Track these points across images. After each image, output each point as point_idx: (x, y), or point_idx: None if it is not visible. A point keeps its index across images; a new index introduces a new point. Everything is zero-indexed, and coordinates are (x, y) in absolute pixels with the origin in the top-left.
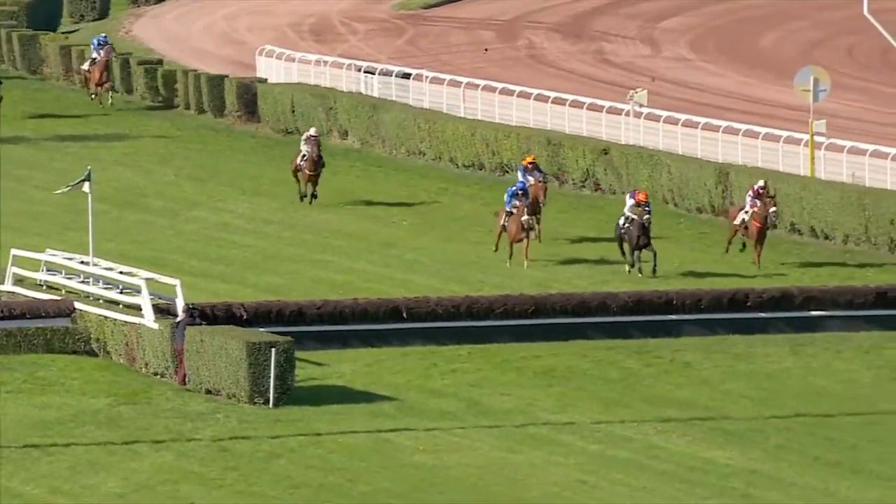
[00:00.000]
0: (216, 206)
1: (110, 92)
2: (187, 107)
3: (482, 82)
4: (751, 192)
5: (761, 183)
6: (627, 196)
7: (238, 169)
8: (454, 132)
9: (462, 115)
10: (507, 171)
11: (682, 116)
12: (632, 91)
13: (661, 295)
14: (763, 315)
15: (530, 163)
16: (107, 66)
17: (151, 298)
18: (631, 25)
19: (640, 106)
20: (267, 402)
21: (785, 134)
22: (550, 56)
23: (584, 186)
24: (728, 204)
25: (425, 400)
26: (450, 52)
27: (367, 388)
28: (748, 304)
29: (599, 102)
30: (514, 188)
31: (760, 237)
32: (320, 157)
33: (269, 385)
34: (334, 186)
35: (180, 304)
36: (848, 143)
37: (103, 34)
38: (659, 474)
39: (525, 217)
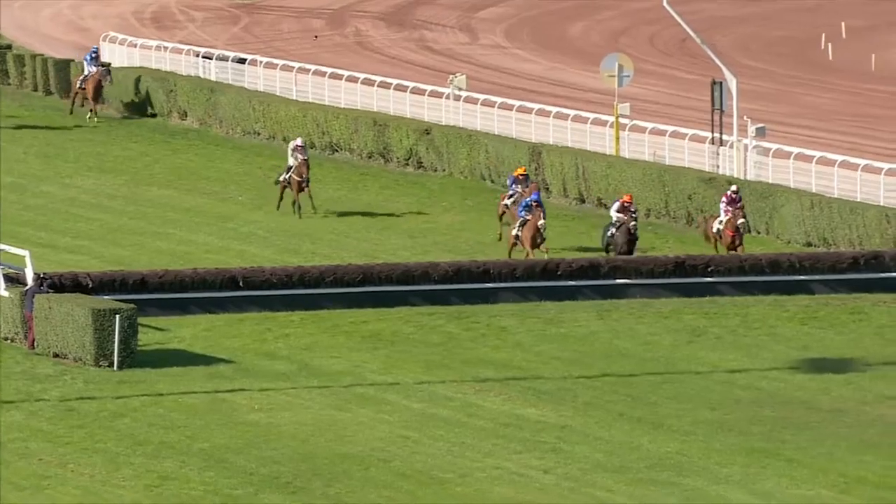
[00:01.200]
0: (63, 182)
1: (95, 111)
2: (35, 89)
3: (313, 67)
4: (724, 199)
5: (734, 188)
6: (614, 202)
7: (83, 147)
8: (287, 113)
9: (294, 97)
10: (336, 150)
11: (498, 99)
12: (451, 76)
13: (479, 265)
14: (572, 283)
15: (521, 174)
16: (99, 84)
17: (2, 268)
18: (450, 15)
19: (459, 90)
20: (111, 364)
21: (592, 116)
22: (376, 43)
23: (407, 164)
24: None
25: (260, 362)
26: (282, 39)
27: (205, 351)
28: (559, 273)
29: (422, 86)
30: (527, 200)
31: (733, 245)
32: (308, 168)
33: (113, 349)
34: (174, 164)
35: (30, 274)
36: (649, 125)
37: (95, 47)
38: (477, 430)
39: (542, 221)
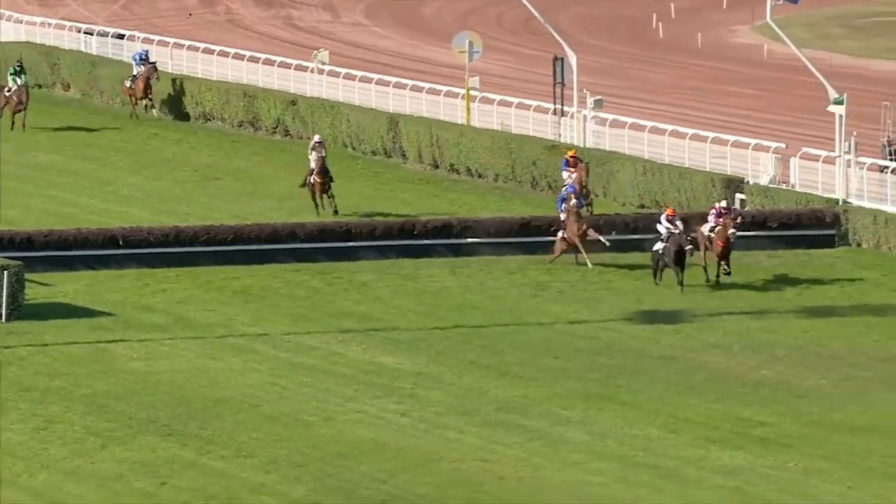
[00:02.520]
0: None
1: (151, 103)
2: None
3: (187, 42)
4: (713, 211)
5: (723, 203)
6: (660, 216)
7: None
8: (163, 85)
9: (170, 70)
10: (209, 119)
11: (359, 73)
12: (315, 51)
13: (342, 225)
14: (427, 242)
15: (572, 156)
16: (148, 81)
17: None
18: None
19: (323, 64)
20: (0, 317)
21: (445, 89)
22: (246, 21)
23: (275, 132)
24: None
25: (139, 315)
26: (159, 17)
27: (88, 304)
28: (415, 232)
29: (288, 61)
30: (563, 193)
31: (724, 254)
32: (326, 168)
33: (1, 303)
34: (59, 131)
35: None
36: (497, 97)
37: (145, 49)
38: (339, 377)
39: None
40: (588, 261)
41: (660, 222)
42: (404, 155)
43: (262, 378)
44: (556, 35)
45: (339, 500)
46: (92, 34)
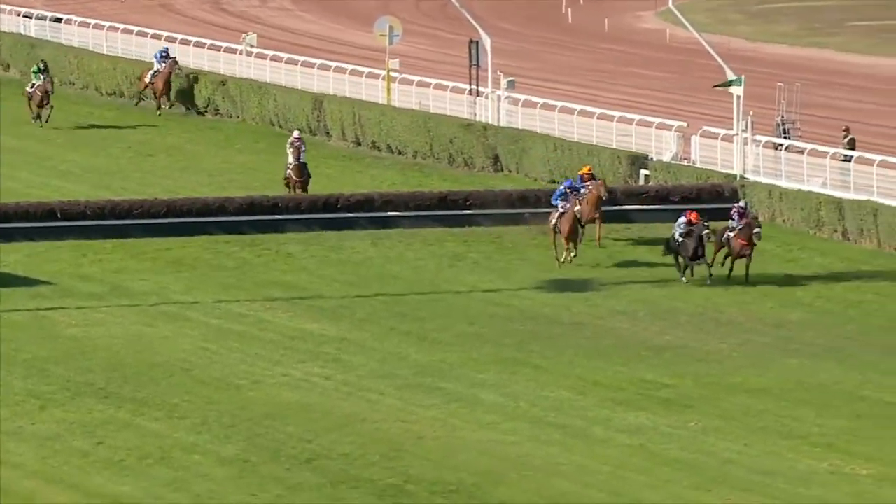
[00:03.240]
0: None
1: (169, 100)
2: None
3: (122, 26)
4: (734, 212)
5: (741, 203)
6: (680, 217)
7: None
8: (99, 66)
9: (105, 52)
10: (143, 99)
11: (285, 55)
12: (244, 35)
13: (269, 199)
14: (350, 215)
15: (588, 173)
16: (168, 78)
17: None
18: None
19: (251, 47)
20: None
21: (367, 70)
22: (178, 5)
23: (206, 112)
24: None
25: (77, 284)
26: (94, 1)
27: (28, 274)
28: (339, 206)
29: (218, 43)
30: (560, 189)
31: (742, 254)
32: (304, 164)
33: None
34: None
35: None
36: (416, 78)
37: (166, 47)
38: (267, 343)
39: (578, 207)
40: (574, 253)
41: (679, 225)
42: (328, 133)
43: (194, 344)
44: (471, 20)
45: (267, 458)
46: (31, 17)
